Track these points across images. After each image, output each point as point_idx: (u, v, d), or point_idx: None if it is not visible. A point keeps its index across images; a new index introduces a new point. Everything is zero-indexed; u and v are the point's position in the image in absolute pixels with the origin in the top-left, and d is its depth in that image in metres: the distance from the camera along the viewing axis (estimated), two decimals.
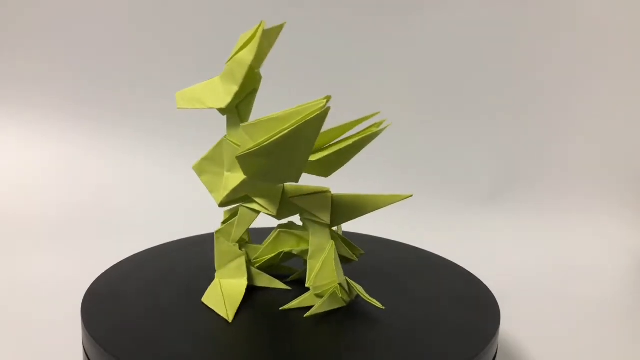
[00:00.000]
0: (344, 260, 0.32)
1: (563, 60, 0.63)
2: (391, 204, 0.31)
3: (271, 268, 0.35)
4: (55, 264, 0.51)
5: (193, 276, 0.35)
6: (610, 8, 0.61)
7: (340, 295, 0.31)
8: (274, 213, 0.31)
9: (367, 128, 0.30)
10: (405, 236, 0.45)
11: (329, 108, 0.26)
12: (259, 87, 0.30)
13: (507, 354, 0.39)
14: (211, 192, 0.31)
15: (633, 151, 0.63)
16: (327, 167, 0.30)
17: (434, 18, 0.64)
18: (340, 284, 0.31)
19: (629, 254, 0.58)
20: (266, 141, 0.26)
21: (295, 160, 0.28)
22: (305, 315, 0.30)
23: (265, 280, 0.34)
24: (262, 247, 0.34)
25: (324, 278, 0.30)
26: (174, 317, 0.30)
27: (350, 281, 0.32)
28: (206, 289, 0.32)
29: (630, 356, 0.41)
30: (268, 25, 0.29)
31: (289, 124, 0.26)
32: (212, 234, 0.43)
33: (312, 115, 0.26)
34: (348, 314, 0.31)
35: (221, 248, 0.33)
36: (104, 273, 0.35)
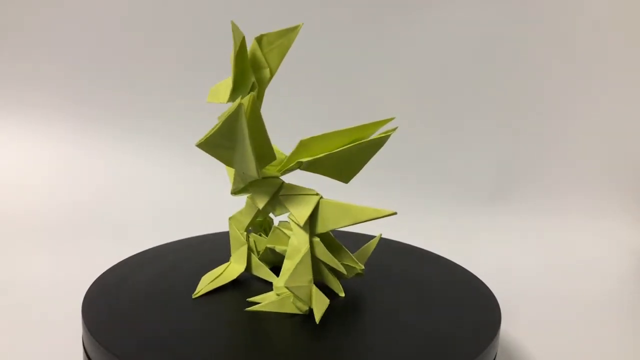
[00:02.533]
0: (332, 271, 0.32)
1: (564, 61, 0.63)
2: (373, 219, 0.30)
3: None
4: (55, 264, 0.51)
5: (193, 276, 0.35)
6: (611, 9, 0.61)
7: (291, 300, 0.31)
8: (260, 207, 0.32)
9: (380, 134, 0.30)
10: (405, 236, 0.45)
11: (241, 105, 0.26)
12: (257, 87, 0.30)
13: (508, 354, 0.39)
14: (231, 181, 0.33)
15: (633, 151, 0.63)
16: (340, 171, 0.31)
17: (435, 18, 0.64)
18: (292, 291, 0.30)
19: (630, 254, 0.58)
20: (209, 133, 0.27)
21: (244, 152, 0.28)
22: (245, 309, 0.31)
23: (264, 273, 0.34)
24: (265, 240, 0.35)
25: (282, 280, 0.31)
26: (175, 316, 0.30)
27: (318, 292, 0.30)
28: None
29: (631, 356, 0.41)
30: (281, 26, 0.29)
31: (222, 118, 0.27)
32: (213, 234, 0.43)
33: (232, 110, 0.27)
34: (346, 312, 0.31)
35: (232, 234, 0.34)
36: (104, 273, 0.35)
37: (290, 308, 0.31)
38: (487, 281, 0.36)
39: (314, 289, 0.30)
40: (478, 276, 0.37)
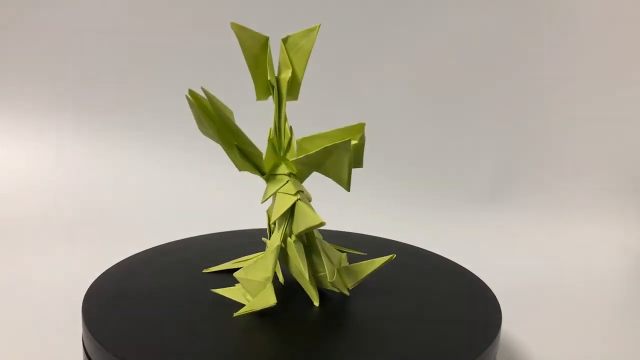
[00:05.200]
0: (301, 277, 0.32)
1: (564, 61, 0.63)
2: (312, 227, 0.30)
3: None
4: (55, 264, 0.51)
5: (194, 275, 0.35)
6: (611, 8, 0.61)
7: (242, 292, 0.31)
8: (261, 202, 0.33)
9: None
10: (405, 236, 0.45)
11: (188, 96, 0.28)
12: (275, 86, 0.31)
13: (508, 354, 0.39)
14: None
15: (633, 152, 0.63)
16: (335, 174, 0.31)
17: (435, 18, 0.64)
18: (240, 282, 0.31)
19: (629, 254, 0.58)
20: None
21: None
22: (211, 290, 0.32)
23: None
24: None
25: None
26: (175, 315, 0.30)
27: (267, 292, 0.30)
28: (206, 287, 0.33)
29: (631, 356, 0.41)
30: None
31: None
32: (212, 234, 0.43)
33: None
34: (345, 312, 0.31)
35: (267, 224, 0.35)
36: (104, 272, 0.35)
37: (240, 298, 0.31)
38: (488, 281, 0.36)
39: (268, 287, 0.30)
40: (478, 276, 0.37)
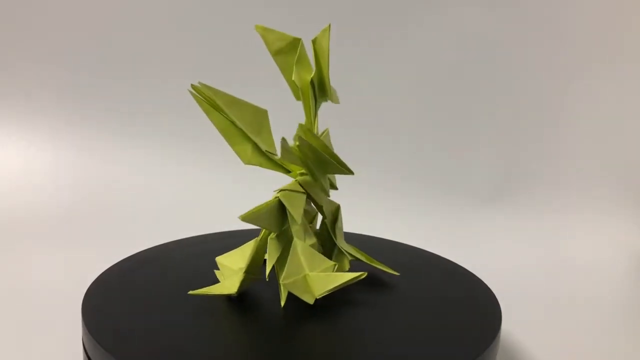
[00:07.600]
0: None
1: (563, 61, 0.63)
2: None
3: None
4: (55, 264, 0.51)
5: (193, 275, 0.35)
6: (611, 10, 0.61)
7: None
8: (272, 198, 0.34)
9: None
10: (405, 236, 0.45)
11: (193, 95, 0.28)
12: (304, 90, 0.32)
13: (508, 354, 0.39)
14: None
15: (633, 151, 0.63)
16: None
17: (436, 19, 0.64)
18: (218, 265, 0.33)
19: (630, 254, 0.58)
20: None
21: None
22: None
23: None
24: None
25: None
26: (175, 315, 0.30)
27: (229, 282, 0.30)
28: (206, 287, 0.33)
29: (630, 355, 0.41)
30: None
31: None
32: (213, 234, 0.43)
33: None
34: (345, 311, 0.31)
35: None
36: (104, 273, 0.35)
37: (219, 279, 0.32)
38: (487, 281, 0.36)
39: (238, 277, 0.31)
40: (478, 276, 0.37)
